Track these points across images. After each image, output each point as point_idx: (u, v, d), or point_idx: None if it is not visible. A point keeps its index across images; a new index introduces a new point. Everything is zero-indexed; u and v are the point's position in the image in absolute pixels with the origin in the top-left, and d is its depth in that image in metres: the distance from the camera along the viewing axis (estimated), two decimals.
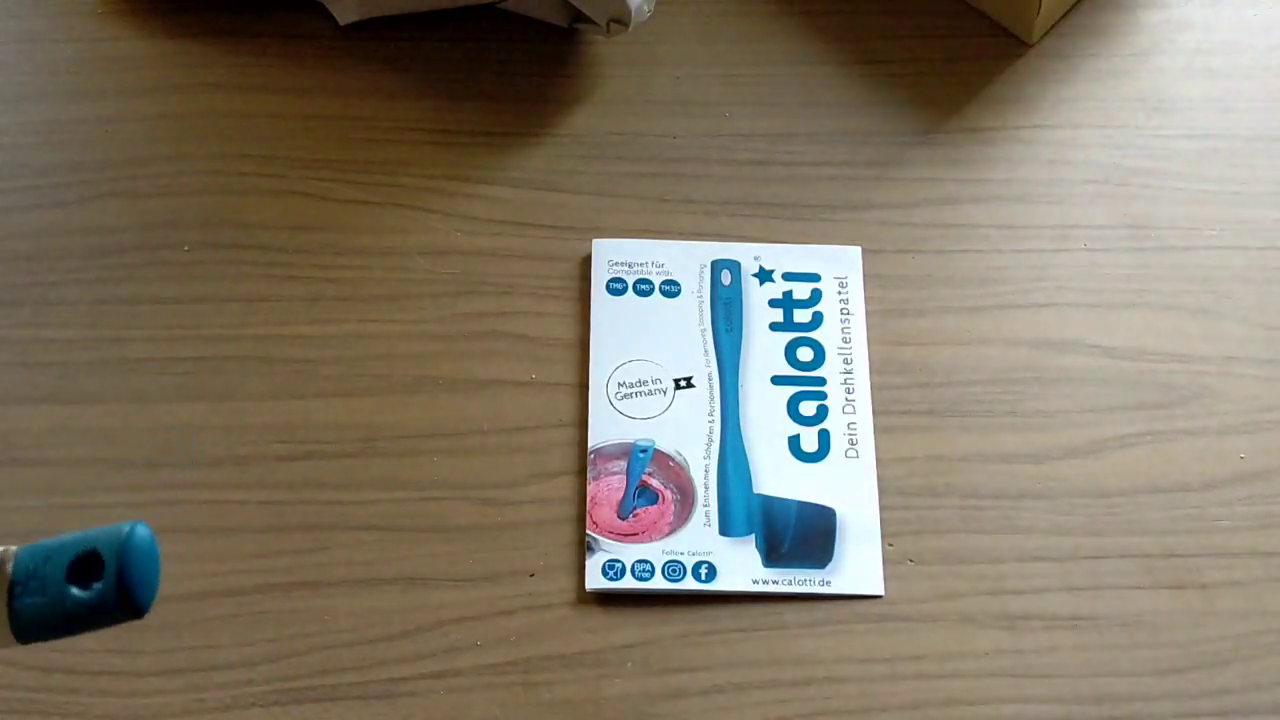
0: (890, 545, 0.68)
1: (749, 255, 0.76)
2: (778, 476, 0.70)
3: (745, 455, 0.70)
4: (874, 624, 0.66)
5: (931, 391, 0.72)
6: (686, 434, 0.71)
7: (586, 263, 0.76)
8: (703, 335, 0.73)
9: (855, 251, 0.76)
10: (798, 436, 0.71)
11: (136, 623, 0.65)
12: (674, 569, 0.67)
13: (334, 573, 0.67)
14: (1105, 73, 0.83)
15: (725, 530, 0.68)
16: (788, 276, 0.75)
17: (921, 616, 0.67)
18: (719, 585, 0.67)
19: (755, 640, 0.66)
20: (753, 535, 0.68)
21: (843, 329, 0.74)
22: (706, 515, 0.68)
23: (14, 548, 0.48)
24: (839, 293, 0.75)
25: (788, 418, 0.71)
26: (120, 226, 0.76)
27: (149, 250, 0.76)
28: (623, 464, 0.70)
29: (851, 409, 0.71)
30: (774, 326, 0.74)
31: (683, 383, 0.72)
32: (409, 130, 0.80)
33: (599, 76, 0.82)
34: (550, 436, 0.71)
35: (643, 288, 0.75)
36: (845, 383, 0.72)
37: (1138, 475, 0.70)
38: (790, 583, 0.67)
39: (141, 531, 0.48)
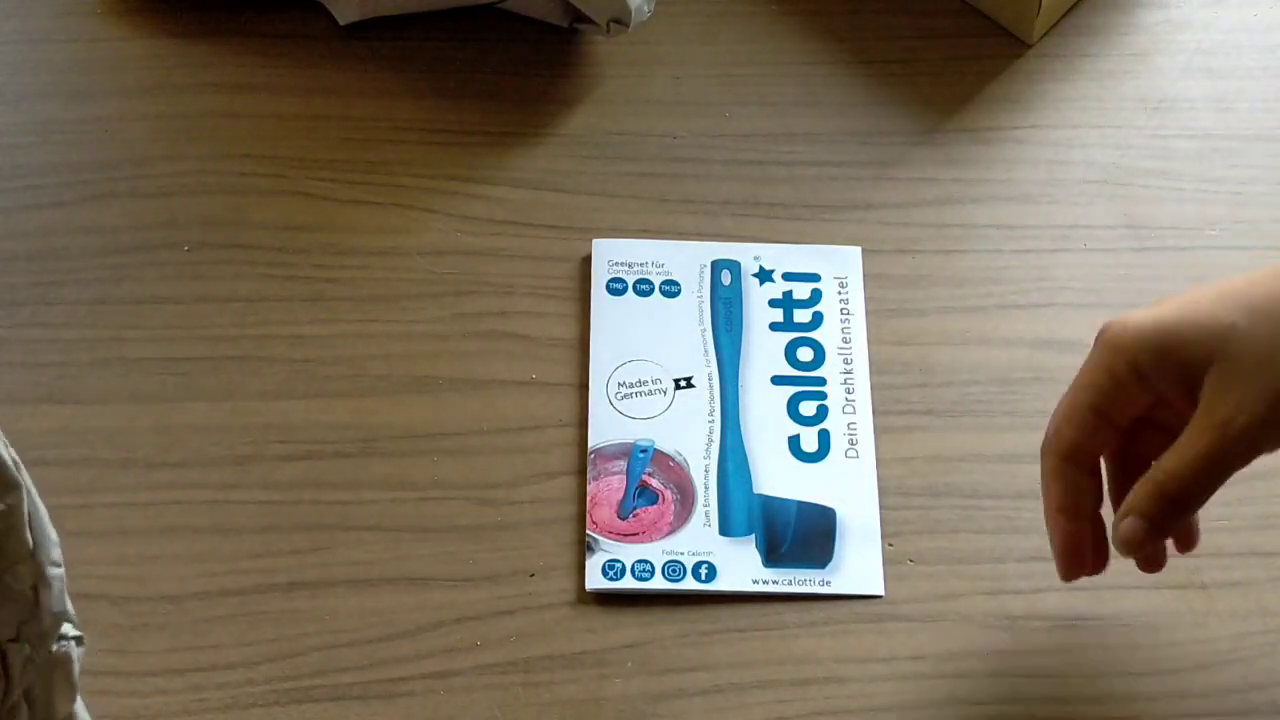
0: (890, 545, 0.68)
1: (749, 255, 0.76)
2: (778, 476, 0.70)
3: (745, 455, 0.70)
4: (874, 624, 0.66)
5: (931, 391, 0.72)
6: (686, 434, 0.71)
7: (586, 263, 0.76)
8: (703, 335, 0.73)
9: (855, 251, 0.76)
10: (798, 436, 0.71)
11: (136, 623, 0.65)
12: (674, 569, 0.67)
13: (334, 573, 0.67)
14: (1105, 73, 0.83)
15: (725, 530, 0.68)
16: (788, 276, 0.75)
17: (921, 616, 0.66)
18: (719, 585, 0.67)
19: (755, 640, 0.66)
20: (753, 535, 0.68)
21: (843, 329, 0.74)
22: (706, 515, 0.68)
23: None
24: (839, 293, 0.75)
25: (788, 418, 0.71)
26: (120, 226, 0.76)
27: (149, 250, 0.76)
28: (623, 464, 0.70)
29: (851, 409, 0.71)
30: (774, 326, 0.74)
31: (683, 383, 0.72)
32: (409, 130, 0.80)
33: (599, 76, 0.82)
34: (550, 436, 0.71)
35: (643, 288, 0.75)
36: (845, 383, 0.72)
37: None
38: (790, 583, 0.67)
39: None
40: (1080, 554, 0.59)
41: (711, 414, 0.71)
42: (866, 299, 0.75)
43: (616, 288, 0.75)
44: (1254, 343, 0.53)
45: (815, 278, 0.75)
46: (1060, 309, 0.75)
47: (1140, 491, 0.56)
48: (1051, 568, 0.68)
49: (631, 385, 0.72)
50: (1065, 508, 0.58)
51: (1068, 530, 0.58)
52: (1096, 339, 0.58)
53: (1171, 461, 0.55)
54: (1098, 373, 0.57)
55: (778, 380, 0.72)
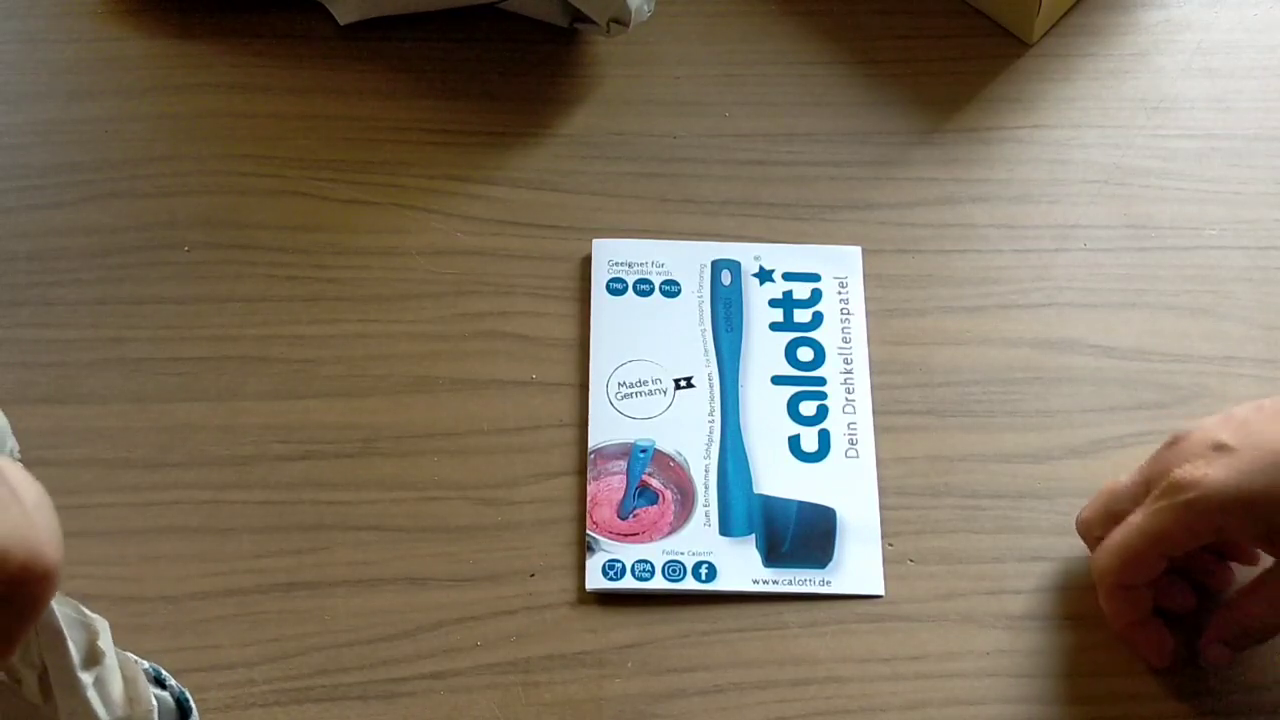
0: (890, 545, 0.68)
1: (749, 255, 0.76)
2: (778, 476, 0.70)
3: (745, 455, 0.70)
4: (874, 624, 0.66)
5: (931, 391, 0.72)
6: (686, 434, 0.71)
7: (586, 263, 0.76)
8: (703, 335, 0.73)
9: (855, 251, 0.76)
10: (798, 436, 0.71)
11: (136, 623, 0.65)
12: (674, 569, 0.67)
13: (334, 573, 0.67)
14: (1105, 73, 0.83)
15: (725, 530, 0.68)
16: (788, 276, 0.75)
17: (921, 616, 0.66)
18: (719, 585, 0.67)
19: (755, 640, 0.66)
20: (753, 535, 0.68)
21: (843, 329, 0.74)
22: (706, 515, 0.68)
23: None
24: (839, 293, 0.75)
25: (788, 418, 0.71)
26: (120, 226, 0.76)
27: (149, 250, 0.76)
28: (623, 464, 0.70)
29: (851, 409, 0.71)
30: (774, 326, 0.74)
31: (683, 383, 0.72)
32: (409, 130, 0.80)
33: (599, 76, 0.82)
34: (550, 436, 0.71)
35: (643, 288, 0.75)
36: (845, 383, 0.72)
37: None
38: (790, 583, 0.67)
39: None
40: (1168, 644, 0.64)
41: (711, 414, 0.71)
42: (866, 299, 0.75)
43: (616, 288, 0.75)
44: None
45: (815, 278, 0.75)
46: (1060, 309, 0.75)
47: (1230, 628, 0.63)
48: (1052, 568, 0.68)
49: (631, 385, 0.72)
50: (1141, 620, 0.64)
51: (1151, 633, 0.64)
52: (1168, 486, 0.60)
53: (1260, 609, 0.62)
54: (1176, 531, 0.60)
55: (778, 380, 0.72)
